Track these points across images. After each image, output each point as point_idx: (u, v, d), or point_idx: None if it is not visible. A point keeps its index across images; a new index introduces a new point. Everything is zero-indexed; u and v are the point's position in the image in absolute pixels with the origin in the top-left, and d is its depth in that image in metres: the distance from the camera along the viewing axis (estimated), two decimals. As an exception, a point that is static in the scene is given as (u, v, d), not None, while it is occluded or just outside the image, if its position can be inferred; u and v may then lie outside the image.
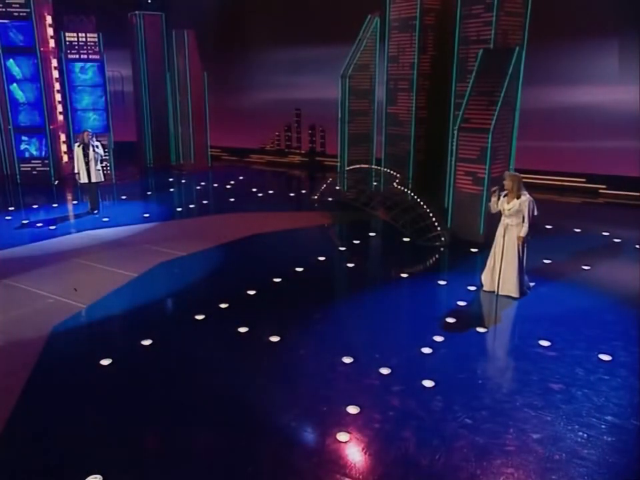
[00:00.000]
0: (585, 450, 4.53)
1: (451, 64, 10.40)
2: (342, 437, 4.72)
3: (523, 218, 7.18)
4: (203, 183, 14.93)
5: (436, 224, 9.86)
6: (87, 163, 11.28)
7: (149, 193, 13.94)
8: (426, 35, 11.29)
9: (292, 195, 14.23)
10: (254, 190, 13.89)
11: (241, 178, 15.42)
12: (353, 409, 5.06)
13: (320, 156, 17.42)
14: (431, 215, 9.94)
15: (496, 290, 7.48)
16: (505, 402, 5.17)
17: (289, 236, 10.39)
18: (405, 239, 9.89)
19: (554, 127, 12.98)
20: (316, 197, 12.80)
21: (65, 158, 15.49)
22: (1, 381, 5.46)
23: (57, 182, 14.58)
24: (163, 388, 5.41)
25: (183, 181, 15.07)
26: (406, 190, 10.75)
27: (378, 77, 12.50)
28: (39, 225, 10.91)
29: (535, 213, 7.17)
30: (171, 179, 15.23)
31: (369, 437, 4.72)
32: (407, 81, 11.60)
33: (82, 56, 14.30)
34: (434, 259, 9.33)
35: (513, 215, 7.21)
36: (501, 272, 7.40)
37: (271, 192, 13.92)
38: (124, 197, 13.13)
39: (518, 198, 7.14)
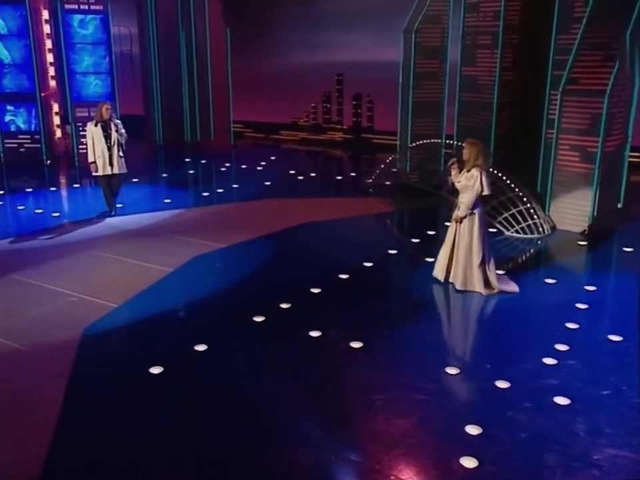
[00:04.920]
0: None
1: (550, 11, 10.26)
2: (468, 462, 4.63)
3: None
4: (227, 164, 14.99)
5: (532, 210, 9.75)
6: (109, 149, 10.17)
7: (165, 175, 14.04)
8: (516, -25, 11.19)
9: (339, 178, 14.21)
10: (292, 172, 13.93)
11: (272, 158, 15.48)
12: (473, 429, 5.00)
13: (366, 132, 17.34)
14: (525, 199, 9.83)
15: (443, 278, 7.67)
16: (671, 426, 5.05)
17: (345, 225, 10.44)
18: (490, 229, 9.80)
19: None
20: (370, 181, 12.76)
21: (58, 133, 15.57)
22: (37, 391, 5.51)
23: (49, 162, 14.66)
24: (228, 400, 5.44)
25: (203, 162, 15.15)
26: (492, 169, 10.62)
27: (452, 31, 12.40)
28: (38, 211, 11.03)
29: (485, 192, 7.25)
30: (187, 159, 15.29)
31: (503, 463, 4.63)
32: (489, 35, 11.48)
33: (82, 6, 14.27)
34: (531, 253, 9.33)
35: (464, 190, 7.32)
36: (455, 260, 7.55)
37: (312, 174, 14.03)
38: (135, 180, 13.15)
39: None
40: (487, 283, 7.48)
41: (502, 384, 5.63)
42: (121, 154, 10.29)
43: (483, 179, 7.20)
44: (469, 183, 7.23)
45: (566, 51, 9.76)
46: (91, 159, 10.26)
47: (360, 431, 5.07)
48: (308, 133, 18.11)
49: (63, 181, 13.64)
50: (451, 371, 5.86)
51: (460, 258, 7.50)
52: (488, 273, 7.49)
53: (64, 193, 12.56)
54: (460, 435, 4.95)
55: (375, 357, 6.22)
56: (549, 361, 6.04)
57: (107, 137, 10.12)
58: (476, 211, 7.36)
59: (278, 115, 18.11)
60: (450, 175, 7.57)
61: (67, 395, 5.42)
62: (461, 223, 7.39)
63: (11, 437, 4.92)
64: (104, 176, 10.35)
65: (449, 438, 4.94)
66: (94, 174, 10.47)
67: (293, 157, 16.21)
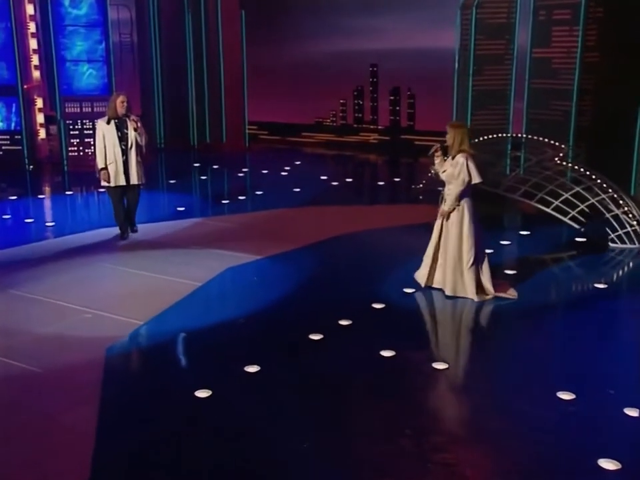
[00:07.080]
0: None
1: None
2: (611, 502, 4.45)
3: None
4: (244, 169, 15.22)
5: (630, 215, 9.63)
6: (124, 152, 9.40)
7: (173, 181, 14.22)
8: None
9: (380, 183, 14.28)
10: (323, 178, 13.98)
11: (297, 163, 15.62)
12: (608, 464, 4.81)
13: (406, 133, 17.32)
14: (621, 203, 9.72)
15: (424, 283, 7.91)
16: None
17: (397, 235, 10.50)
18: (578, 239, 9.75)
19: None
20: (420, 186, 12.71)
21: (42, 133, 15.55)
22: (63, 419, 5.42)
23: (32, 167, 14.64)
24: (292, 428, 5.33)
25: (215, 167, 15.28)
26: (577, 167, 10.53)
27: (521, 6, 12.40)
28: (28, 220, 11.13)
29: (475, 180, 7.42)
30: (196, 164, 15.52)
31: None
32: (567, 8, 11.49)
33: (74, -18, 14.41)
34: (632, 266, 9.25)
35: (450, 180, 7.49)
36: (441, 262, 7.77)
37: (348, 180, 14.31)
38: (139, 187, 13.23)
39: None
40: (479, 287, 7.60)
41: (633, 412, 5.47)
42: (139, 159, 9.49)
43: (470, 165, 7.33)
44: (455, 172, 7.36)
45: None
46: (100, 165, 9.38)
47: (463, 464, 4.92)
48: (335, 135, 18.14)
49: (50, 187, 13.68)
50: (565, 395, 5.71)
51: (448, 259, 7.63)
52: (481, 275, 7.64)
53: (56, 201, 12.61)
54: (594, 471, 4.77)
55: (466, 379, 6.28)
56: (685, 385, 5.91)
57: (122, 138, 9.36)
58: (463, 202, 7.47)
59: (298, 114, 18.21)
60: (434, 163, 7.72)
61: (100, 423, 5.29)
62: (447, 219, 7.55)
63: (40, 474, 4.75)
64: (116, 187, 9.54)
65: (579, 474, 4.81)
66: (103, 184, 9.64)
67: (321, 161, 16.38)
